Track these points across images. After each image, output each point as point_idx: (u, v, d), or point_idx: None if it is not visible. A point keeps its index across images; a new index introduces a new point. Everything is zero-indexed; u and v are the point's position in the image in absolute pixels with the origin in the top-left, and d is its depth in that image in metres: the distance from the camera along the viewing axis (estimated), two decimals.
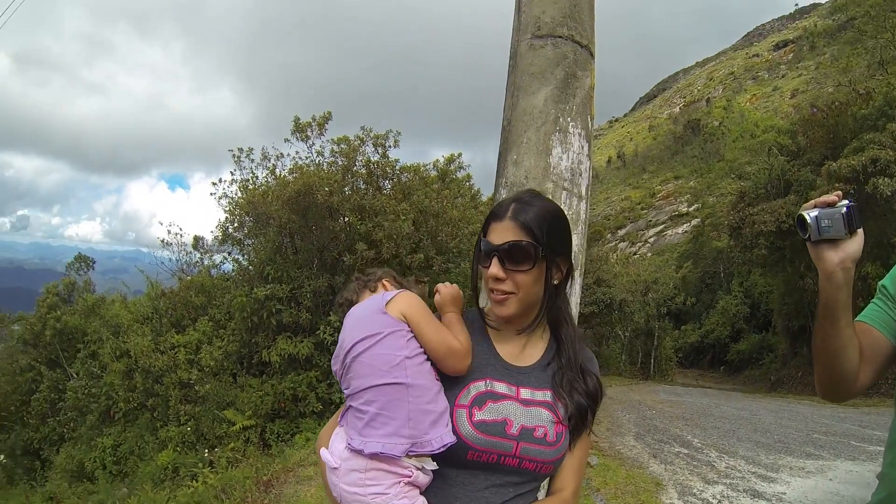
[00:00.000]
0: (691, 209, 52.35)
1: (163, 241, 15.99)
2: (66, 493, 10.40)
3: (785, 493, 5.99)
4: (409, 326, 1.40)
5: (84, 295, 20.94)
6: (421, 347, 1.40)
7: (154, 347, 13.33)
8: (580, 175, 2.33)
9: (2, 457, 17.30)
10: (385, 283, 1.59)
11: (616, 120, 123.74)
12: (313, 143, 12.91)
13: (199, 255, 15.93)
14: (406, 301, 1.43)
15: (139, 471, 11.50)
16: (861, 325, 1.54)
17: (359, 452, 1.33)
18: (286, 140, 12.97)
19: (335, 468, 1.38)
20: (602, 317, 18.95)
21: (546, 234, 1.44)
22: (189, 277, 15.25)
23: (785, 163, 21.16)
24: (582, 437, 1.56)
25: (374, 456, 1.32)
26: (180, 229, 16.06)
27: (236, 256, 14.14)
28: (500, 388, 1.46)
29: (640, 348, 23.43)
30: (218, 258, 15.50)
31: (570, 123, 2.31)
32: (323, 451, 1.43)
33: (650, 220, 57.76)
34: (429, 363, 1.41)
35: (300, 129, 12.81)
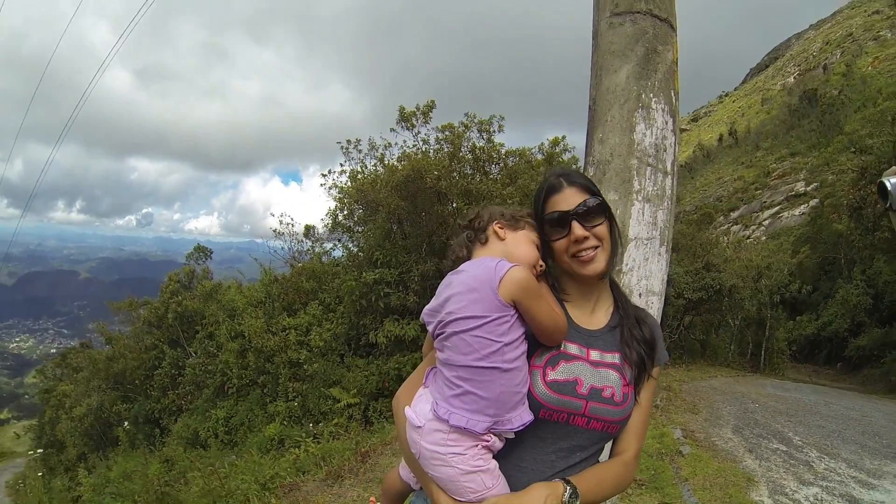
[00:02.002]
0: (809, 188, 48.47)
1: (275, 231, 16.73)
2: (181, 457, 11.19)
3: (884, 503, 5.57)
4: (515, 310, 1.41)
5: (202, 282, 22.38)
6: (521, 330, 1.43)
7: (266, 329, 14.00)
8: (665, 150, 2.37)
9: (126, 424, 18.86)
10: (496, 229, 1.57)
11: (726, 95, 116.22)
12: (418, 132, 13.12)
13: (310, 244, 16.61)
14: (519, 284, 1.40)
15: (248, 441, 12.13)
16: None
17: (443, 421, 1.39)
18: (392, 129, 13.24)
19: (419, 427, 1.44)
20: (711, 303, 18.02)
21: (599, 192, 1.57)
22: (300, 264, 15.88)
23: None
24: (644, 396, 1.61)
25: (456, 428, 1.38)
26: (292, 219, 16.77)
27: (346, 243, 14.50)
28: (572, 349, 1.52)
29: (750, 339, 21.99)
30: (328, 245, 16.14)
31: (653, 99, 2.34)
32: (408, 410, 1.50)
33: (765, 202, 53.96)
34: (525, 345, 1.44)
35: (405, 119, 13.05)
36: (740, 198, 58.02)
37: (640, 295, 2.26)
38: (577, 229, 1.51)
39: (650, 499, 5.68)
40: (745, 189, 58.95)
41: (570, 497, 1.39)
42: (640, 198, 2.28)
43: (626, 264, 2.23)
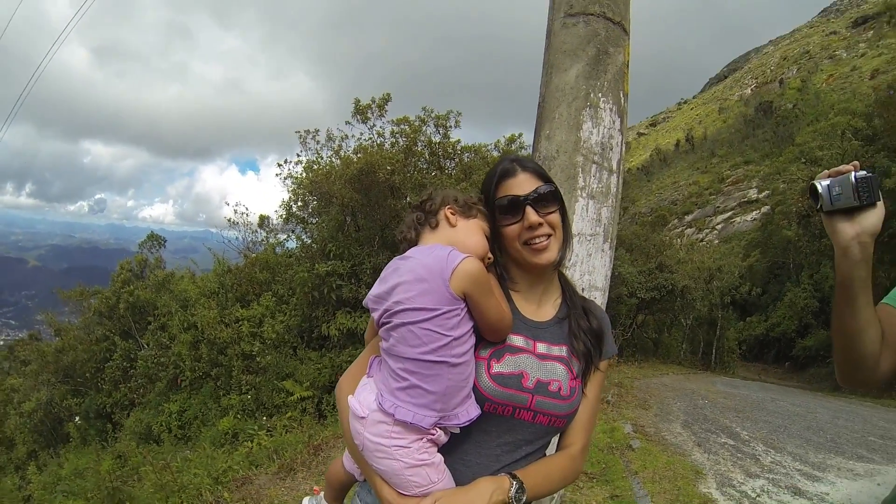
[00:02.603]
0: (761, 196, 49.99)
1: (230, 220, 16.52)
2: (134, 453, 10.99)
3: (828, 494, 5.76)
4: (465, 304, 1.37)
5: (155, 271, 21.92)
6: (470, 324, 1.39)
7: (219, 320, 13.78)
8: (611, 149, 2.41)
9: (77, 419, 18.37)
10: (447, 214, 1.51)
11: (685, 102, 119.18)
12: (373, 125, 13.09)
13: (264, 234, 16.42)
14: (471, 276, 1.35)
15: (202, 435, 11.95)
16: (885, 309, 1.46)
17: (388, 414, 1.35)
18: (347, 122, 13.17)
19: (363, 417, 1.39)
20: (664, 303, 18.43)
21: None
22: (254, 255, 15.71)
23: (859, 147, 20.00)
24: (591, 389, 1.58)
25: (401, 423, 1.35)
26: (246, 209, 16.57)
27: (300, 234, 14.44)
28: (518, 341, 1.48)
29: (702, 338, 22.60)
30: (282, 236, 15.94)
31: (602, 99, 2.38)
32: (351, 400, 1.44)
33: (718, 207, 55.52)
34: (473, 338, 1.41)
35: (360, 111, 12.98)
36: (695, 202, 59.61)
37: (583, 290, 2.29)
38: (532, 215, 1.46)
39: (601, 491, 5.78)
40: (700, 193, 60.66)
41: (516, 491, 1.38)
42: (584, 194, 2.32)
43: (570, 259, 2.24)
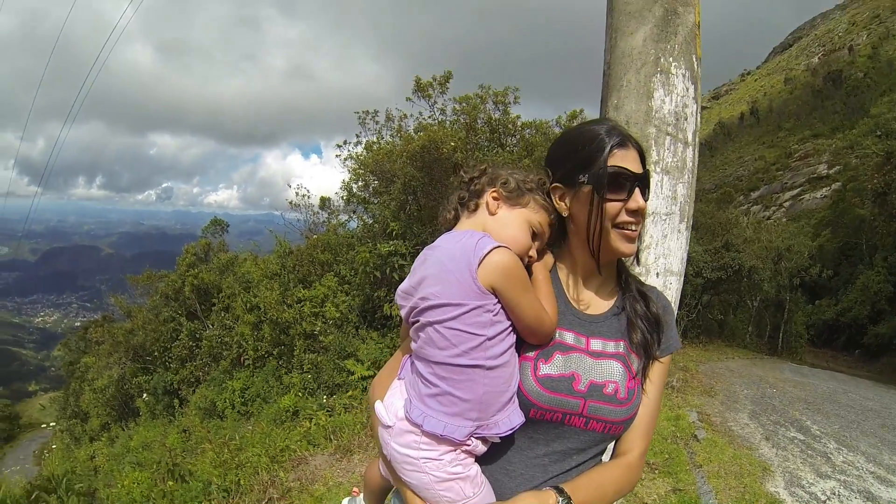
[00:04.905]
0: (832, 171, 47.97)
1: (291, 203, 16.63)
2: (198, 427, 11.35)
3: None
4: (497, 299, 1.22)
5: (218, 254, 22.54)
6: (507, 323, 1.23)
7: (281, 301, 13.96)
8: (685, 119, 2.19)
9: (146, 395, 19.16)
10: (492, 197, 1.35)
11: (748, 73, 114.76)
12: (435, 102, 12.89)
13: (325, 216, 16.54)
14: (501, 270, 1.19)
15: (263, 412, 12.16)
16: None
17: (416, 426, 1.22)
18: (408, 99, 12.98)
19: (389, 427, 1.27)
20: (730, 283, 17.81)
21: None
22: (315, 236, 15.81)
23: None
24: (652, 388, 1.41)
25: (431, 434, 1.21)
26: (308, 191, 16.67)
27: (361, 215, 14.39)
28: (569, 338, 1.34)
29: (768, 321, 21.88)
30: (343, 217, 15.97)
31: (673, 64, 2.16)
32: (378, 406, 1.31)
33: (786, 183, 53.53)
34: (513, 336, 1.25)
35: (421, 89, 12.80)
36: (761, 178, 57.66)
37: (657, 275, 2.12)
38: (640, 198, 1.31)
39: (662, 484, 5.58)
40: (766, 169, 58.59)
41: None
42: (658, 169, 2.13)
43: (643, 241, 2.07)
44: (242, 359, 15.32)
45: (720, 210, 23.02)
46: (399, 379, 1.34)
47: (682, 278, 2.25)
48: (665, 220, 2.14)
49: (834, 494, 5.51)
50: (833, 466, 6.38)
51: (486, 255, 1.18)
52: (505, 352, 1.22)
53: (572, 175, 1.34)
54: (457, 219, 1.38)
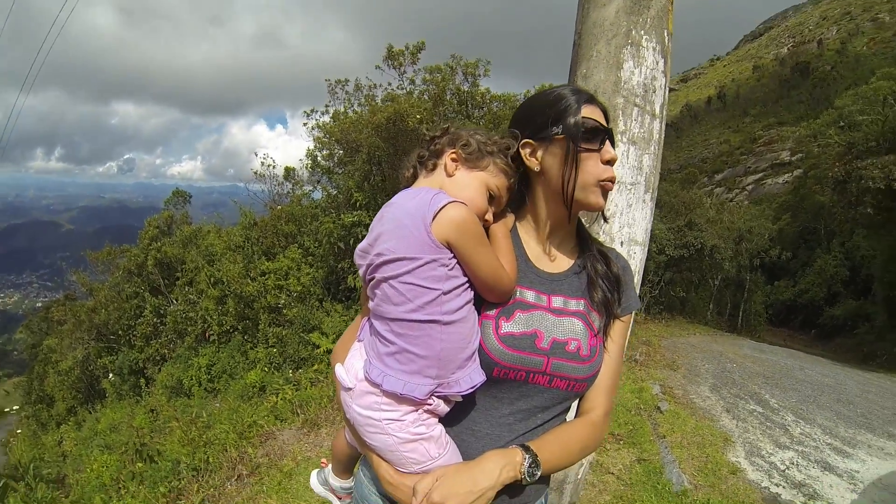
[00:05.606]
0: (794, 158, 49.34)
1: (256, 173, 16.44)
2: (165, 407, 11.21)
3: (858, 472, 5.54)
4: (452, 254, 1.19)
5: (181, 227, 22.08)
6: (463, 279, 1.21)
7: (245, 274, 13.82)
8: (654, 92, 2.19)
9: (111, 375, 18.87)
10: (451, 158, 1.32)
11: (717, 58, 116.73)
12: (405, 72, 12.79)
13: (290, 186, 16.36)
14: (455, 224, 1.16)
15: (230, 388, 12.06)
16: None
17: (376, 385, 1.20)
18: (377, 67, 12.87)
19: (349, 388, 1.24)
20: (692, 262, 18.13)
21: None
22: (280, 207, 15.63)
23: None
24: (613, 345, 1.41)
25: (390, 394, 1.19)
26: (273, 161, 16.48)
27: (326, 185, 14.22)
28: (530, 296, 1.32)
29: (729, 299, 22.50)
30: (308, 188, 15.85)
31: (644, 36, 2.16)
32: (338, 368, 1.29)
33: (749, 167, 54.94)
34: (471, 292, 1.23)
35: (392, 57, 12.66)
36: (725, 161, 59.15)
37: (622, 244, 2.12)
38: (612, 150, 1.31)
39: (627, 454, 5.69)
40: (731, 153, 60.10)
41: (529, 466, 1.22)
42: (625, 139, 2.13)
43: (608, 209, 2.07)
44: (207, 334, 15.14)
45: (684, 190, 23.36)
46: (359, 341, 1.31)
47: (647, 249, 2.26)
48: (630, 189, 2.14)
49: (792, 464, 5.68)
50: (791, 438, 6.55)
51: (441, 209, 1.16)
52: (461, 307, 1.20)
53: (544, 129, 1.32)
54: (415, 177, 1.35)
